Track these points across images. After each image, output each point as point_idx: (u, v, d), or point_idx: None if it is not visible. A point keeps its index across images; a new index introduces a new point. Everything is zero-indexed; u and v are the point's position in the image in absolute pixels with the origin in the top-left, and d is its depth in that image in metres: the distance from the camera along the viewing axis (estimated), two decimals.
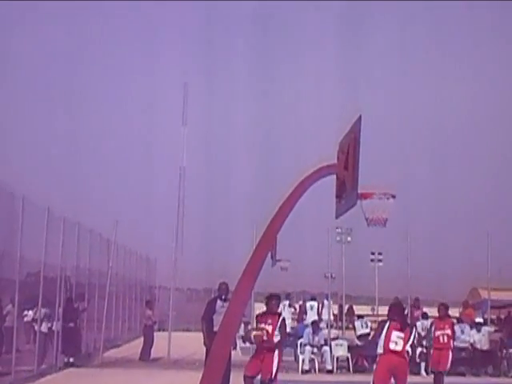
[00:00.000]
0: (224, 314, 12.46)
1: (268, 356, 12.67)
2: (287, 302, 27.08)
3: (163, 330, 26.70)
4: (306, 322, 23.89)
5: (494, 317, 26.70)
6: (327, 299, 26.60)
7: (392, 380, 11.57)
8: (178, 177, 33.92)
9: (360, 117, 11.93)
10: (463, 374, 20.82)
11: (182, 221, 22.94)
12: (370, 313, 32.97)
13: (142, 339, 23.69)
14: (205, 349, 14.31)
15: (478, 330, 21.37)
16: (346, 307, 33.08)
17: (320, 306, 26.44)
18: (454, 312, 26.40)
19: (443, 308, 16.58)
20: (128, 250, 29.08)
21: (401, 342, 11.57)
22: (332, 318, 26.68)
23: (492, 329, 22.59)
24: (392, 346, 11.56)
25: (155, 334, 23.65)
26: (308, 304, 26.08)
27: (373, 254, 39.74)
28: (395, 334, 11.64)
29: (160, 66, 63.99)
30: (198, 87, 57.69)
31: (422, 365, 20.55)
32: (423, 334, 21.29)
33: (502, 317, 31.13)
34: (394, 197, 14.10)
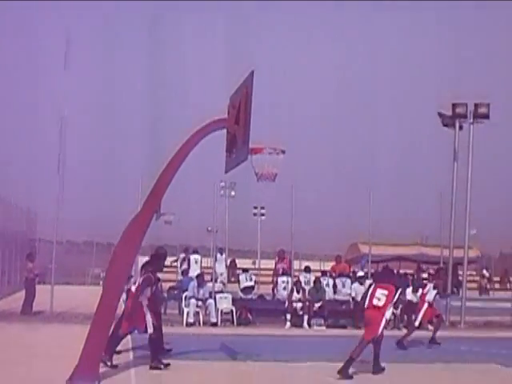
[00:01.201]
0: (109, 266, 12.57)
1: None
2: (182, 256, 27.21)
3: (43, 284, 26.39)
4: (190, 275, 24.17)
5: (373, 270, 27.69)
6: (221, 253, 26.97)
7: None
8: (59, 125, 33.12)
9: (252, 72, 12.11)
10: (344, 327, 21.63)
11: (63, 171, 22.56)
12: (252, 266, 33.50)
13: (23, 293, 23.38)
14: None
15: (361, 284, 22.18)
16: (228, 260, 33.54)
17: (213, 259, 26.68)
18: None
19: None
20: (8, 202, 28.46)
21: (383, 299, 12.70)
22: (225, 271, 27.10)
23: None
24: (375, 302, 12.75)
25: (36, 287, 23.39)
26: (192, 257, 26.32)
27: (255, 208, 40.30)
28: (379, 292, 12.84)
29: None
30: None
31: (305, 317, 21.20)
32: (307, 288, 22.02)
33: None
34: (283, 152, 14.45)
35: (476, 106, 23.81)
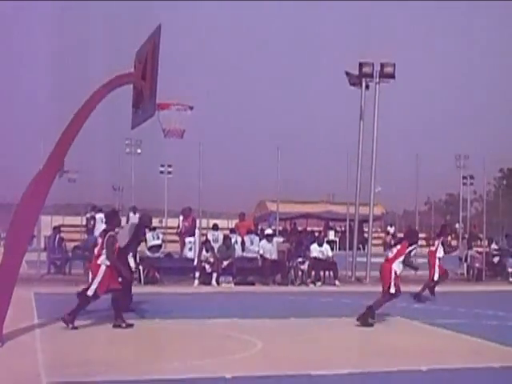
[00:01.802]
0: (10, 226, 12.30)
1: None
2: (88, 215, 26.77)
3: None
4: (95, 235, 23.87)
5: (280, 228, 28.00)
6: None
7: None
8: None
9: (159, 26, 11.94)
10: (253, 283, 21.85)
11: None
12: (159, 225, 33.39)
13: None
14: None
15: (269, 241, 22.39)
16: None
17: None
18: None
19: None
20: None
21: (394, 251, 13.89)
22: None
23: (280, 239, 23.75)
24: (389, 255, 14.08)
25: None
26: (98, 216, 25.95)
27: (162, 166, 40.01)
28: (395, 247, 14.12)
29: None
30: None
31: (214, 275, 21.26)
32: (215, 245, 22.05)
33: (289, 228, 32.75)
34: (191, 108, 14.34)
35: (382, 65, 24.12)
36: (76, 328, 12.27)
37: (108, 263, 12.68)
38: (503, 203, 51.02)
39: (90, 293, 12.67)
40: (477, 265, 25.03)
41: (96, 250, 13.02)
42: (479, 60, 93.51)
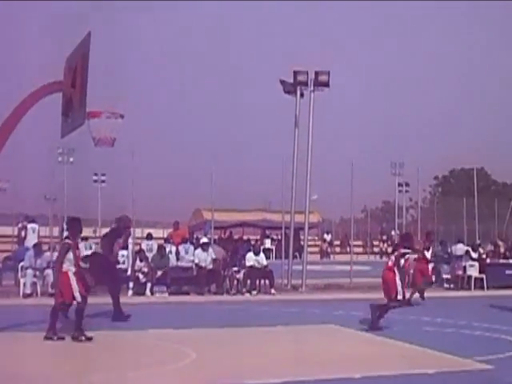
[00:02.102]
0: None
1: None
2: (35, 226, 26.35)
3: None
4: (27, 245, 23.53)
5: (216, 237, 28.01)
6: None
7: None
8: None
9: (89, 33, 11.85)
10: (187, 293, 21.77)
11: None
12: (92, 235, 32.99)
13: None
14: None
15: (204, 250, 22.36)
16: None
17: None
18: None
19: None
20: None
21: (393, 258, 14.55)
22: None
23: (216, 248, 23.74)
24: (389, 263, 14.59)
25: None
26: (30, 226, 25.64)
27: (96, 175, 39.62)
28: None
29: None
30: None
31: (148, 285, 21.13)
32: (150, 255, 21.93)
33: (224, 237, 32.77)
34: (122, 116, 14.27)
35: (316, 73, 24.35)
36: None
37: (74, 269, 12.65)
38: (438, 210, 51.87)
39: (79, 299, 12.65)
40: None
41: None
42: (414, 68, 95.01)
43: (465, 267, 24.53)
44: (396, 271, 14.37)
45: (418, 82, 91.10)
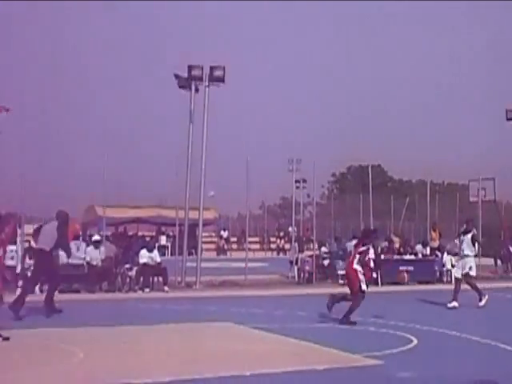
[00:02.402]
0: None
1: None
2: None
3: None
4: None
5: (109, 233, 27.64)
6: None
7: None
8: None
9: None
10: (78, 291, 21.40)
11: None
12: None
13: None
14: None
15: (96, 248, 22.03)
16: None
17: None
18: None
19: None
20: None
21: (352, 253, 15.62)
22: None
23: (108, 245, 23.42)
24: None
25: None
26: None
27: None
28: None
29: None
30: None
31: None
32: None
33: (118, 233, 32.39)
34: (7, 110, 13.85)
35: (212, 68, 24.31)
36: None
37: None
38: (335, 207, 52.72)
39: None
40: (307, 268, 25.69)
41: None
42: (310, 63, 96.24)
43: None
44: (357, 266, 15.14)
45: (317, 78, 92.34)
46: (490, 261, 33.38)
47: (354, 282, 15.11)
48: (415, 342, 12.57)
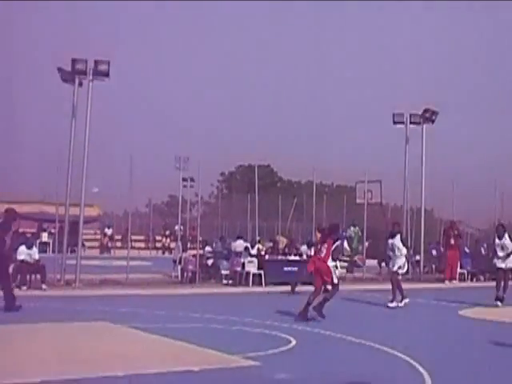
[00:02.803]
0: None
1: None
2: None
3: None
4: None
5: None
6: None
7: None
8: None
9: None
10: None
11: None
12: None
13: None
14: None
15: None
16: None
17: None
18: None
19: None
20: None
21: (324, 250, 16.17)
22: None
23: None
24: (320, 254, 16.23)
25: None
26: None
27: None
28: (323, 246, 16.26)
29: None
30: None
31: None
32: None
33: None
34: None
35: (96, 62, 23.99)
36: None
37: None
38: (223, 206, 52.91)
39: None
40: (190, 267, 25.65)
41: None
42: (197, 62, 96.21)
43: (244, 263, 25.07)
44: (331, 263, 16.17)
45: (205, 75, 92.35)
46: (374, 262, 34.23)
47: (329, 276, 15.97)
48: (293, 342, 12.72)
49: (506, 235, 20.73)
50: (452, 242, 30.19)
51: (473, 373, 10.79)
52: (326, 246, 16.20)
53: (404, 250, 20.32)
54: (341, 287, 24.38)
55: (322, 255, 16.12)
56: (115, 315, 15.76)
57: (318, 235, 27.31)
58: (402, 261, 20.17)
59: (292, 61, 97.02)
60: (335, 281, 16.09)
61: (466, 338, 14.64)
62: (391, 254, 20.25)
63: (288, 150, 79.90)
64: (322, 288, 16.12)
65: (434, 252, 34.11)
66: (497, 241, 20.84)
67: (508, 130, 79.86)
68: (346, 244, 39.57)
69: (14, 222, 17.31)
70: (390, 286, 20.03)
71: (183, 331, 13.75)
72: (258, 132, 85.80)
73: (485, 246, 36.06)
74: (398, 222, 22.99)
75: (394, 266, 20.11)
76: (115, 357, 11.12)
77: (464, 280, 30.90)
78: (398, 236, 20.35)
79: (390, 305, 19.38)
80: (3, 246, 16.64)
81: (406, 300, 19.67)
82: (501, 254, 20.56)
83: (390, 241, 20.17)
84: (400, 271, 20.24)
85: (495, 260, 20.81)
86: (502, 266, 20.59)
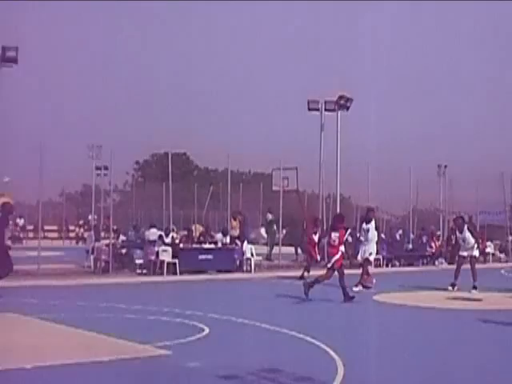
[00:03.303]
0: None
1: None
2: None
3: None
4: None
5: None
6: None
7: None
8: None
9: None
10: None
11: None
12: None
13: None
14: None
15: None
16: None
17: None
18: None
19: None
20: None
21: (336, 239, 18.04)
22: None
23: None
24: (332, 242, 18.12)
25: None
26: None
27: None
28: (333, 235, 18.08)
29: None
30: None
31: None
32: None
33: None
34: None
35: (4, 49, 23.56)
36: None
37: None
38: (139, 194, 52.55)
39: None
40: (103, 257, 25.43)
41: None
42: (109, 50, 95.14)
43: (158, 252, 24.96)
44: (340, 248, 18.15)
45: (115, 61, 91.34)
46: (291, 250, 34.55)
47: (339, 261, 17.95)
48: (207, 331, 12.76)
49: (465, 228, 21.55)
50: None
51: (384, 358, 11.00)
52: (337, 234, 18.01)
53: (376, 237, 20.98)
54: (257, 275, 24.78)
55: (336, 243, 17.98)
56: (26, 306, 15.56)
57: (234, 223, 27.59)
58: (373, 247, 20.85)
59: (206, 46, 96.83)
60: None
61: (378, 323, 14.90)
62: (363, 239, 20.75)
63: (204, 137, 79.91)
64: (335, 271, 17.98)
65: (350, 238, 34.53)
66: (458, 234, 21.87)
67: (423, 117, 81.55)
68: (262, 230, 39.89)
69: (10, 215, 18.15)
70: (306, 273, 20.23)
71: (95, 321, 13.65)
72: (174, 120, 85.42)
73: (400, 232, 36.89)
74: (372, 208, 23.52)
75: (365, 252, 20.82)
76: (25, 349, 10.94)
77: (379, 266, 31.41)
78: (373, 222, 21.02)
79: (355, 289, 20.01)
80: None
81: (361, 288, 20.17)
82: (464, 245, 21.57)
83: (365, 226, 20.77)
84: (371, 257, 21.07)
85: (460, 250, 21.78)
86: (465, 254, 21.51)
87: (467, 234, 21.28)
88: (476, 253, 21.57)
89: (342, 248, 18.47)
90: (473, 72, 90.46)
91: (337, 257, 17.92)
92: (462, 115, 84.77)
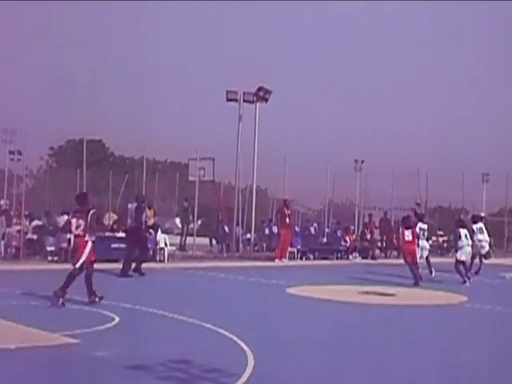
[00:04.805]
0: None
1: None
2: None
3: None
4: None
5: None
6: None
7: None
8: None
9: None
10: None
11: None
12: None
13: None
14: None
15: None
16: None
17: None
18: None
19: None
20: None
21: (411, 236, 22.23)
22: None
23: None
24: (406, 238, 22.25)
25: None
26: None
27: None
28: (406, 232, 22.17)
29: None
30: None
31: None
32: None
33: None
34: None
35: None
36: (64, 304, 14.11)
37: (94, 239, 15.21)
38: (53, 181, 51.76)
39: (78, 266, 14.81)
40: (14, 243, 25.05)
41: (81, 229, 14.94)
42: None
43: (70, 239, 24.59)
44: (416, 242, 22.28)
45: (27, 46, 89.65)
46: (206, 240, 34.60)
47: (413, 254, 22.26)
48: (117, 320, 12.72)
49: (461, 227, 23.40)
50: (287, 220, 30.85)
51: (294, 349, 11.16)
52: (410, 231, 22.02)
53: None
54: (170, 265, 24.76)
55: (410, 239, 22.04)
56: None
57: (149, 212, 27.46)
58: None
59: (123, 31, 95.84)
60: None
61: (290, 315, 15.08)
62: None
63: (120, 125, 79.13)
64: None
65: (267, 231, 34.79)
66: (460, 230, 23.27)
67: (341, 112, 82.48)
68: (177, 220, 39.76)
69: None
70: (224, 264, 20.17)
71: (3, 309, 13.42)
72: (89, 106, 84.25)
73: (315, 225, 37.28)
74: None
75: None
76: None
77: (294, 258, 31.73)
78: None
79: None
80: None
81: None
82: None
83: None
84: None
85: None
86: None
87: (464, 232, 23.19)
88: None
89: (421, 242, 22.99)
90: (390, 67, 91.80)
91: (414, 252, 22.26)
92: (380, 111, 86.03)
